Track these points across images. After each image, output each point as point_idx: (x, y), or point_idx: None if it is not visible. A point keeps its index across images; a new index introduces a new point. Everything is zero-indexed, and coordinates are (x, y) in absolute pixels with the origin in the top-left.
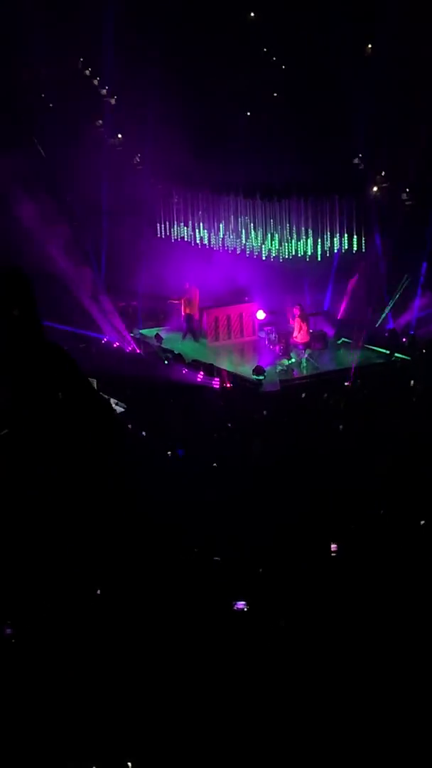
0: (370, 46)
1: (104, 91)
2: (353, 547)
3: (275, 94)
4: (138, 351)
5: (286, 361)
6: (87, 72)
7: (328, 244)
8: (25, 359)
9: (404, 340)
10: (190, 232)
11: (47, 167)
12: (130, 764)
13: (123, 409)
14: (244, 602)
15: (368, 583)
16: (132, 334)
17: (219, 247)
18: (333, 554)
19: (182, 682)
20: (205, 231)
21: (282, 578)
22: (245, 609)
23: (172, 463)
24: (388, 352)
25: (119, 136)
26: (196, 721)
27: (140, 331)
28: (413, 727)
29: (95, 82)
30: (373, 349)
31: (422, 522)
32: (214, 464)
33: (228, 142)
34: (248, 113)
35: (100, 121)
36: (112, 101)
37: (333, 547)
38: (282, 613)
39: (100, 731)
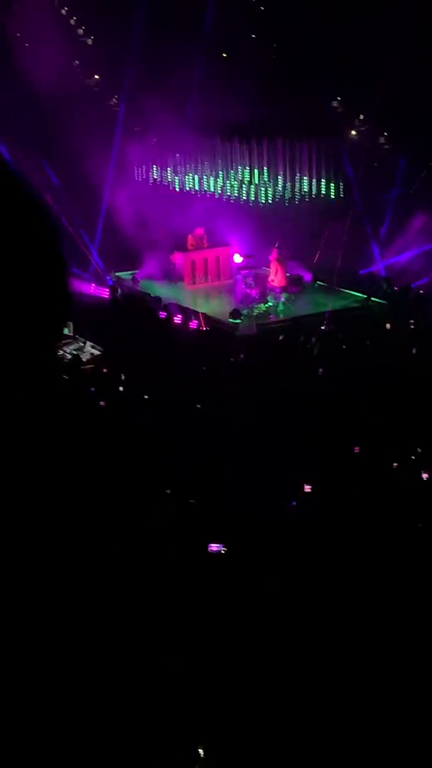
0: None
1: (81, 31)
2: (330, 490)
3: (253, 36)
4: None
5: (263, 305)
6: (63, 11)
7: (306, 189)
8: None
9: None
10: (168, 176)
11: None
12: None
13: (99, 352)
14: (220, 544)
15: (341, 524)
16: (109, 277)
17: (196, 190)
18: (307, 495)
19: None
20: (183, 174)
21: (260, 521)
22: (221, 551)
23: (148, 405)
24: (365, 296)
25: (96, 77)
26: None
27: (116, 273)
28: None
29: (72, 21)
30: (350, 293)
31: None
32: (198, 405)
33: (206, 83)
34: (224, 54)
35: (77, 62)
36: (89, 41)
37: (307, 488)
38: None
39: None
